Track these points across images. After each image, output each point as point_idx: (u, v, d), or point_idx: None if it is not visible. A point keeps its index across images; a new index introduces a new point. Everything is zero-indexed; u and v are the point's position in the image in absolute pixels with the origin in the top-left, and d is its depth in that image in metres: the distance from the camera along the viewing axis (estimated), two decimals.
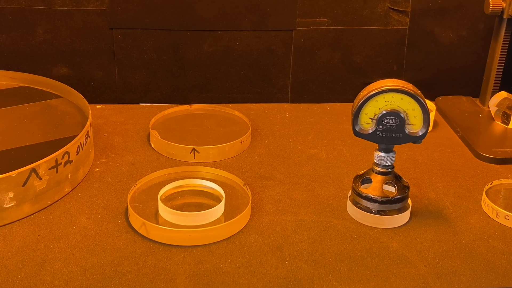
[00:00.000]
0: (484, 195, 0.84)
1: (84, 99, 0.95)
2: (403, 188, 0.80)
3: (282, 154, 0.97)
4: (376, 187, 0.79)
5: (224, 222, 0.77)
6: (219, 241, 0.75)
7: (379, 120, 0.76)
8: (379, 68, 1.17)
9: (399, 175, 0.81)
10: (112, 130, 1.01)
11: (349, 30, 1.13)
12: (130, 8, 1.07)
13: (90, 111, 0.91)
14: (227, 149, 0.94)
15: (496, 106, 1.07)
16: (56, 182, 0.80)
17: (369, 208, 0.80)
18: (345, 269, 0.71)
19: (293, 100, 1.18)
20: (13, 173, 0.74)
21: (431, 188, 0.89)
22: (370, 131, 0.77)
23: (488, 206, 0.83)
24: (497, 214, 0.81)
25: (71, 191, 0.83)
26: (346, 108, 1.12)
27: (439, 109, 1.12)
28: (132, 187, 0.82)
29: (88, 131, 0.87)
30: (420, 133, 0.77)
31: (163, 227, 0.75)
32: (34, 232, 0.75)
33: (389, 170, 0.79)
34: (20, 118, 0.95)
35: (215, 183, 0.84)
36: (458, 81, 1.20)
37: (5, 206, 0.75)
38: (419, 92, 0.76)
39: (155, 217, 0.79)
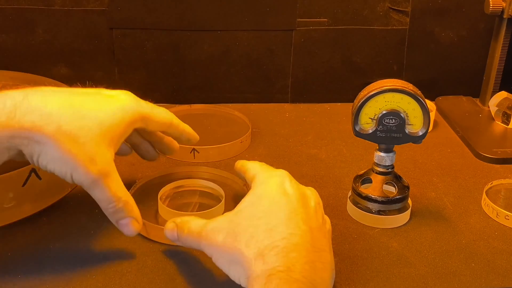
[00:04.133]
0: (484, 195, 0.84)
1: None
2: (403, 188, 0.80)
3: (282, 154, 0.96)
4: (376, 187, 0.79)
5: None
6: None
7: (379, 120, 0.76)
8: (379, 68, 1.17)
9: (399, 175, 0.81)
10: None
11: (349, 30, 1.13)
12: (130, 8, 1.07)
13: None
14: (227, 149, 0.94)
15: (496, 106, 1.07)
16: (56, 182, 0.80)
17: (369, 208, 0.80)
18: (345, 269, 0.71)
19: (293, 100, 1.18)
20: (13, 173, 0.74)
21: (431, 188, 0.89)
22: (370, 131, 0.77)
23: (488, 206, 0.83)
24: (497, 214, 0.81)
25: (71, 191, 0.83)
26: (346, 108, 1.11)
27: (439, 109, 1.12)
28: (132, 187, 0.82)
29: None
30: (420, 133, 0.77)
31: (163, 227, 0.75)
32: (34, 232, 0.75)
33: (389, 170, 0.79)
34: None
35: (215, 183, 0.84)
36: (458, 81, 1.20)
37: (5, 206, 0.75)
38: (419, 92, 0.76)
39: (155, 217, 0.79)
